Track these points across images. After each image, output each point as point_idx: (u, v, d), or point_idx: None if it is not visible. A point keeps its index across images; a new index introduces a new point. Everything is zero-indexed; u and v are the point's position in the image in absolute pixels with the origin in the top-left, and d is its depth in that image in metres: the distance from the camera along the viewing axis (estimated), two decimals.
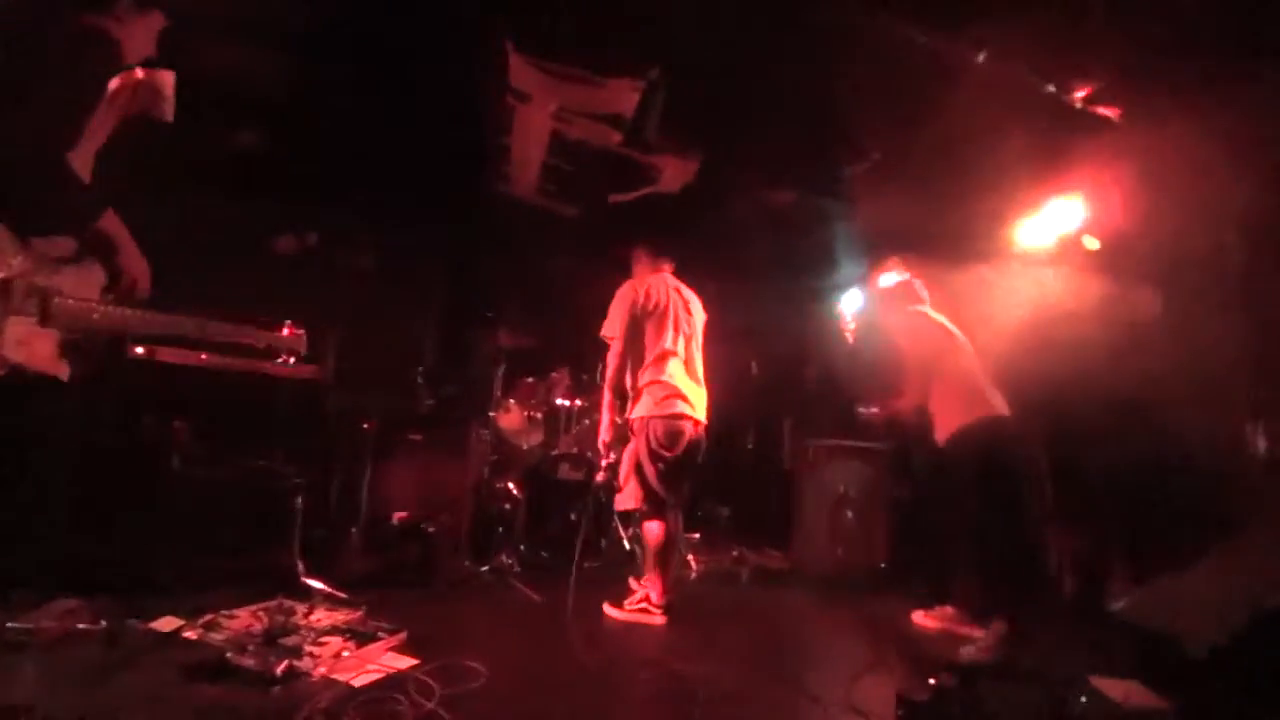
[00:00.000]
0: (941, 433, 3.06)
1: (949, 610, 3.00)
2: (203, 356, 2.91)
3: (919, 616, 3.08)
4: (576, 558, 2.79)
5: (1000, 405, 2.97)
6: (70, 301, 1.86)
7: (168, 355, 2.91)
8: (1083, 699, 2.04)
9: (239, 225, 4.00)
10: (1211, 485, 2.74)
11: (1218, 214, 2.73)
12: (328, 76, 3.50)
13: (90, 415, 2.61)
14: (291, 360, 2.53)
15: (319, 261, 4.05)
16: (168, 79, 2.16)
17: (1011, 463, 2.82)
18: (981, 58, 2.72)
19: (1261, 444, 2.71)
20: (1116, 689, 2.16)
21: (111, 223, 1.96)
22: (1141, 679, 2.22)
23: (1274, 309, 2.64)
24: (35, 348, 1.84)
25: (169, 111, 2.19)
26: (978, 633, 2.74)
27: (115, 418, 2.69)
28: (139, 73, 2.09)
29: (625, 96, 3.19)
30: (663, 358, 2.92)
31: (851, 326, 5.05)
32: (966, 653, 2.65)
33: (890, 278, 4.38)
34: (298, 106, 3.73)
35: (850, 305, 5.28)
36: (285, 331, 2.53)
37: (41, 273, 1.82)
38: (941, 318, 3.23)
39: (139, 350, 2.89)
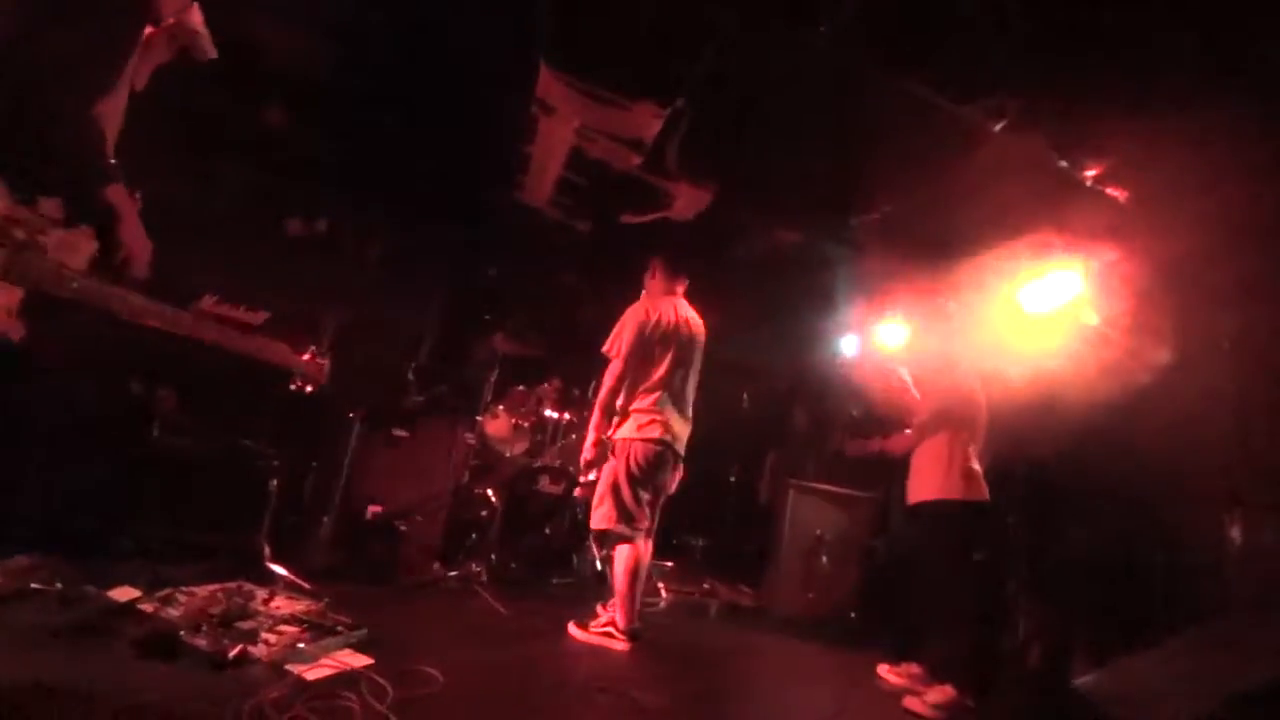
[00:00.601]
0: (916, 491, 3.07)
1: (914, 669, 2.97)
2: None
3: (883, 671, 3.05)
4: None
5: (979, 489, 2.95)
6: (47, 262, 1.73)
7: (169, 325, 2.90)
8: None
9: (253, 201, 4.03)
10: (1185, 571, 2.75)
11: (1211, 308, 2.78)
12: (361, 64, 3.54)
13: (74, 378, 2.59)
14: (308, 389, 2.46)
15: (327, 247, 4.07)
16: (197, 16, 2.09)
17: (976, 542, 2.84)
18: (1000, 126, 2.79)
19: (1237, 535, 2.72)
20: None
21: (118, 192, 1.87)
22: None
23: (1257, 406, 2.68)
24: None
25: (209, 48, 2.10)
26: (929, 690, 2.72)
27: (101, 380, 2.66)
28: (171, 19, 2.05)
29: (649, 122, 3.24)
30: (657, 385, 2.92)
31: (850, 365, 5.08)
32: (910, 704, 2.65)
33: (891, 328, 4.43)
34: (327, 91, 3.77)
35: (850, 347, 5.33)
36: (306, 357, 2.46)
37: (24, 225, 1.70)
38: (973, 377, 3.17)
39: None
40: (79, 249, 1.83)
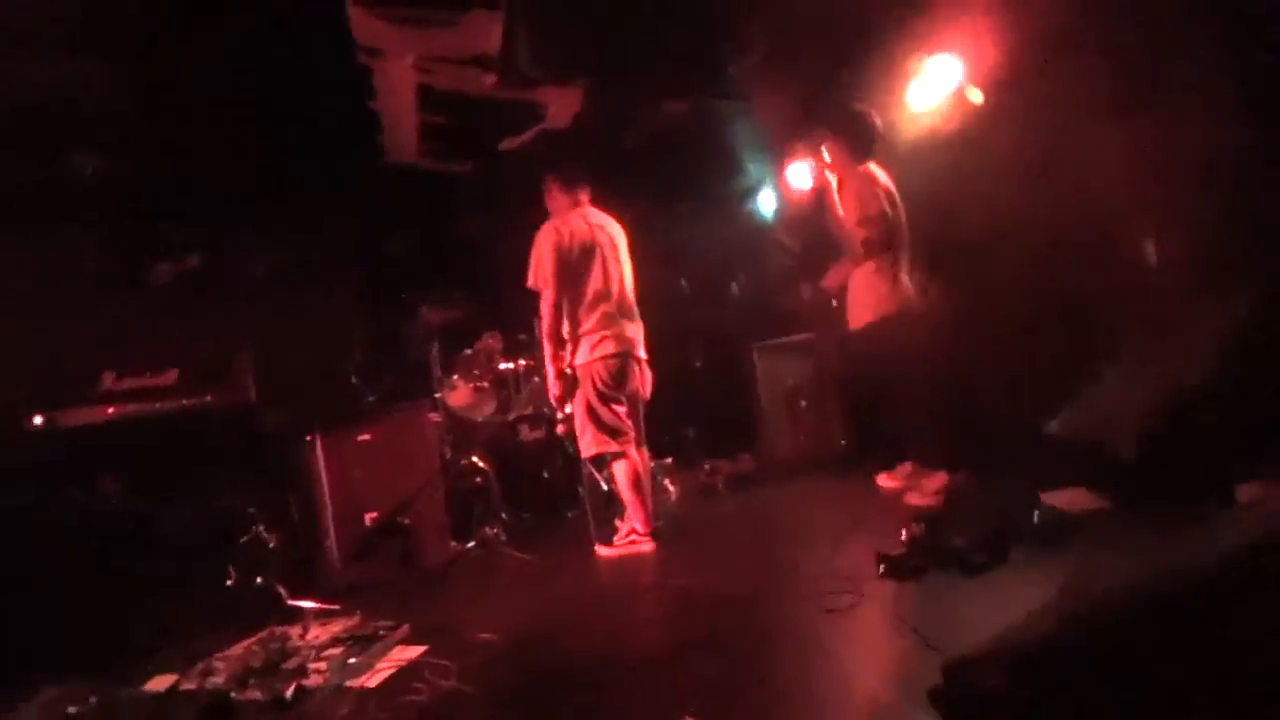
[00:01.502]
0: (853, 318, 3.20)
1: (908, 467, 3.22)
2: (110, 410, 2.71)
3: (882, 479, 3.29)
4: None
5: (911, 302, 3.07)
6: None
7: (70, 419, 2.70)
8: (1035, 515, 2.26)
9: (111, 261, 3.65)
10: (1118, 297, 2.96)
11: (1086, 46, 2.82)
12: (170, 79, 3.14)
13: (11, 499, 2.42)
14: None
15: (209, 282, 3.76)
16: None
17: (917, 351, 2.99)
18: None
19: (1151, 249, 2.92)
20: (1063, 499, 2.39)
21: None
22: (1084, 486, 2.47)
23: (1148, 128, 2.79)
24: None
25: None
26: (925, 480, 2.98)
27: (32, 495, 2.49)
28: None
29: (484, 32, 2.96)
30: (595, 301, 2.88)
31: (768, 222, 5.10)
32: (911, 499, 2.90)
33: (800, 167, 4.41)
34: (144, 118, 3.34)
35: (765, 202, 5.33)
36: None
37: None
38: (884, 178, 3.14)
39: (37, 420, 2.67)
40: None
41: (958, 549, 2.05)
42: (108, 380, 2.73)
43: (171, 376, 2.78)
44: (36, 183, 3.39)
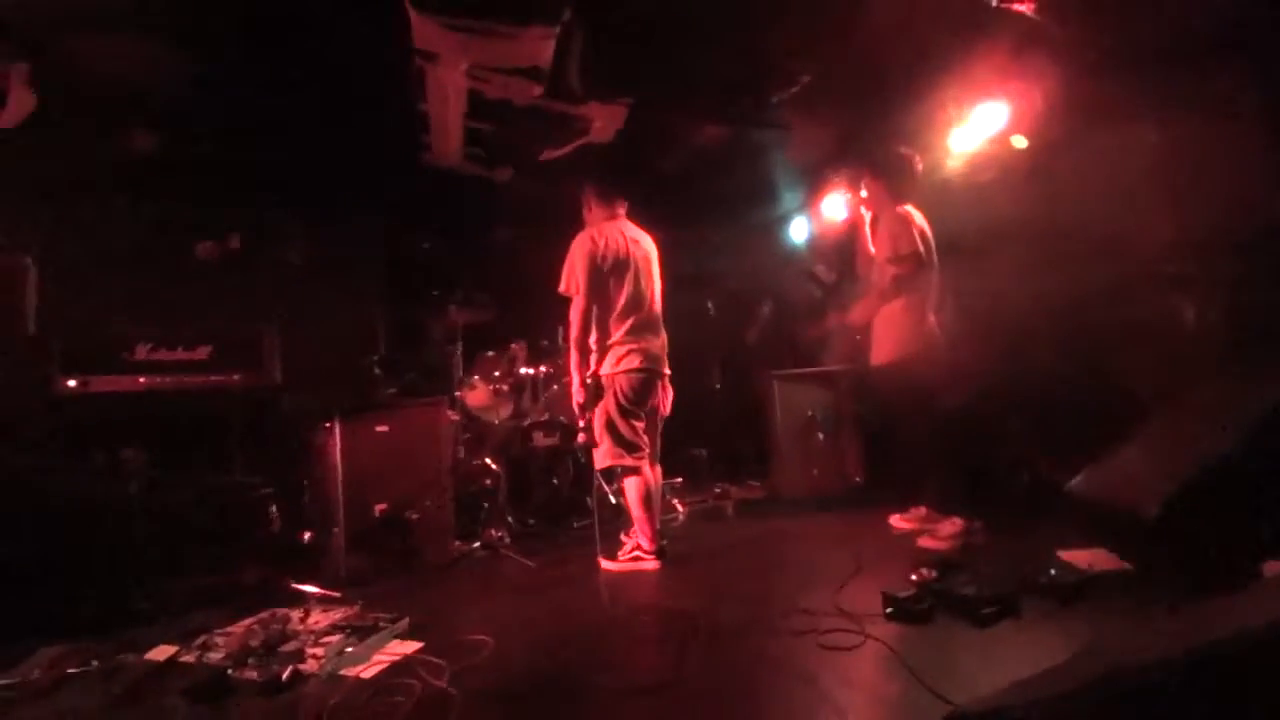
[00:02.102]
0: (876, 355, 3.19)
1: (922, 510, 3.17)
2: (140, 380, 2.78)
3: (895, 520, 3.25)
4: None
5: (935, 342, 3.06)
6: None
7: (103, 384, 2.78)
8: (1051, 571, 2.21)
9: (156, 235, 3.78)
10: (1150, 363, 2.90)
11: (1135, 99, 2.80)
12: (229, 67, 3.26)
13: (34, 459, 2.50)
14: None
15: (247, 263, 3.87)
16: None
17: (939, 391, 2.96)
18: None
19: (1189, 315, 2.87)
20: (1082, 558, 2.34)
21: None
22: (1104, 546, 2.40)
23: (1191, 185, 2.75)
24: None
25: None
26: (939, 525, 2.93)
27: (59, 458, 2.56)
28: None
29: (539, 45, 3.03)
30: (624, 312, 2.90)
31: (799, 252, 5.11)
32: (924, 542, 2.85)
33: (836, 200, 4.42)
34: (203, 102, 3.47)
35: (798, 232, 5.34)
36: None
37: None
38: (920, 219, 3.13)
39: (71, 383, 2.75)
40: None
41: (968, 597, 2.01)
42: (142, 351, 2.80)
43: (204, 352, 2.85)
44: (95, 157, 3.54)
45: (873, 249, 3.36)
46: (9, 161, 2.89)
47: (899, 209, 3.16)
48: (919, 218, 3.15)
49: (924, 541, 2.88)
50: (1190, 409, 2.42)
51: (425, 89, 3.49)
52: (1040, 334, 3.19)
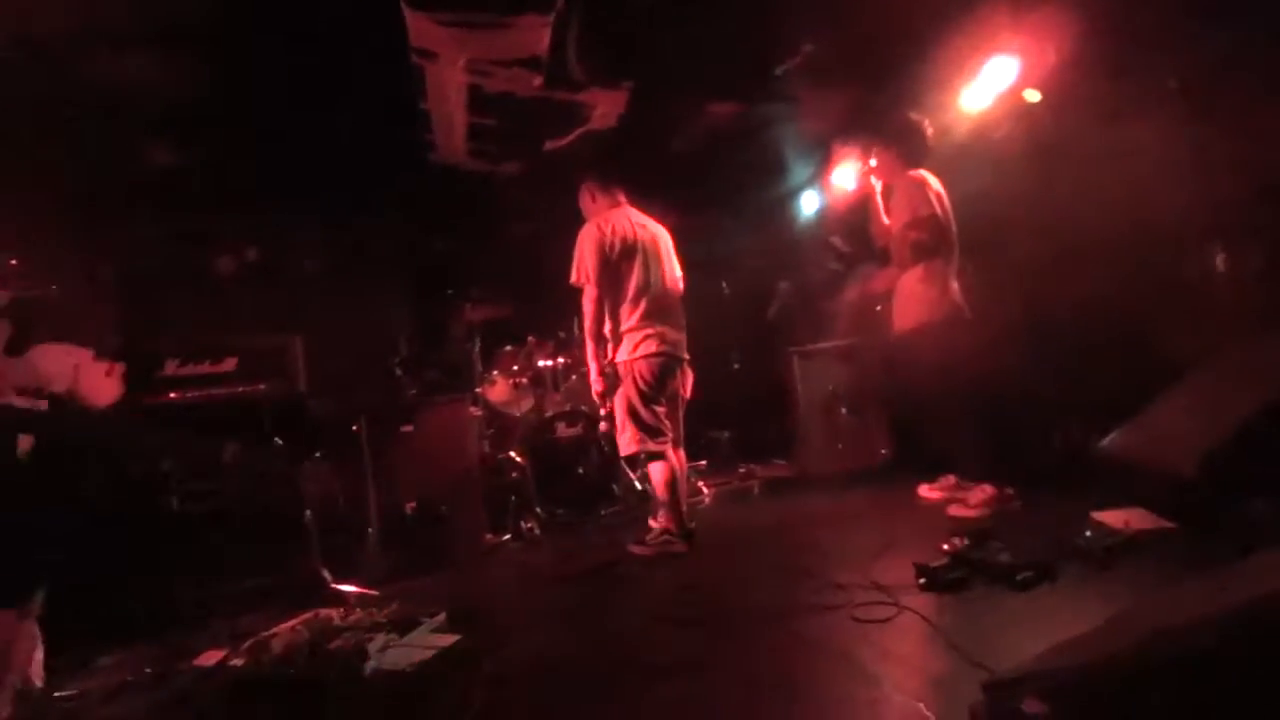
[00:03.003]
0: (900, 322, 3.13)
1: (950, 479, 3.13)
2: (172, 395, 2.85)
3: (924, 490, 3.21)
4: None
5: (959, 307, 2.99)
6: None
7: (138, 403, 2.84)
8: (1087, 533, 2.17)
9: (177, 251, 3.85)
10: (1183, 317, 2.82)
11: (1153, 49, 2.70)
12: (234, 80, 3.29)
13: (78, 477, 2.58)
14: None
15: (266, 273, 3.93)
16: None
17: (967, 356, 2.90)
18: None
19: (1220, 264, 2.77)
20: (1118, 518, 2.29)
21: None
22: (1141, 506, 2.35)
23: (1215, 134, 2.65)
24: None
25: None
26: (969, 493, 2.88)
27: (102, 474, 2.65)
28: None
29: (536, 34, 3.01)
30: (638, 298, 2.89)
31: (813, 225, 5.04)
32: (955, 510, 2.81)
33: (847, 170, 4.34)
34: (209, 116, 3.51)
35: (809, 205, 5.26)
36: None
37: None
38: (935, 182, 3.07)
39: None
40: None
41: (1003, 564, 1.99)
42: (171, 367, 2.87)
43: (230, 364, 2.91)
44: (110, 174, 3.60)
45: (887, 219, 3.30)
46: (29, 179, 2.96)
47: (913, 174, 3.10)
48: (934, 181, 3.08)
49: (955, 510, 2.85)
50: (1228, 364, 2.35)
51: (425, 87, 3.49)
52: (1067, 294, 3.10)
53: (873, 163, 3.35)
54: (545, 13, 2.86)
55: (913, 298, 3.08)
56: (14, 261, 2.18)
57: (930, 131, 3.17)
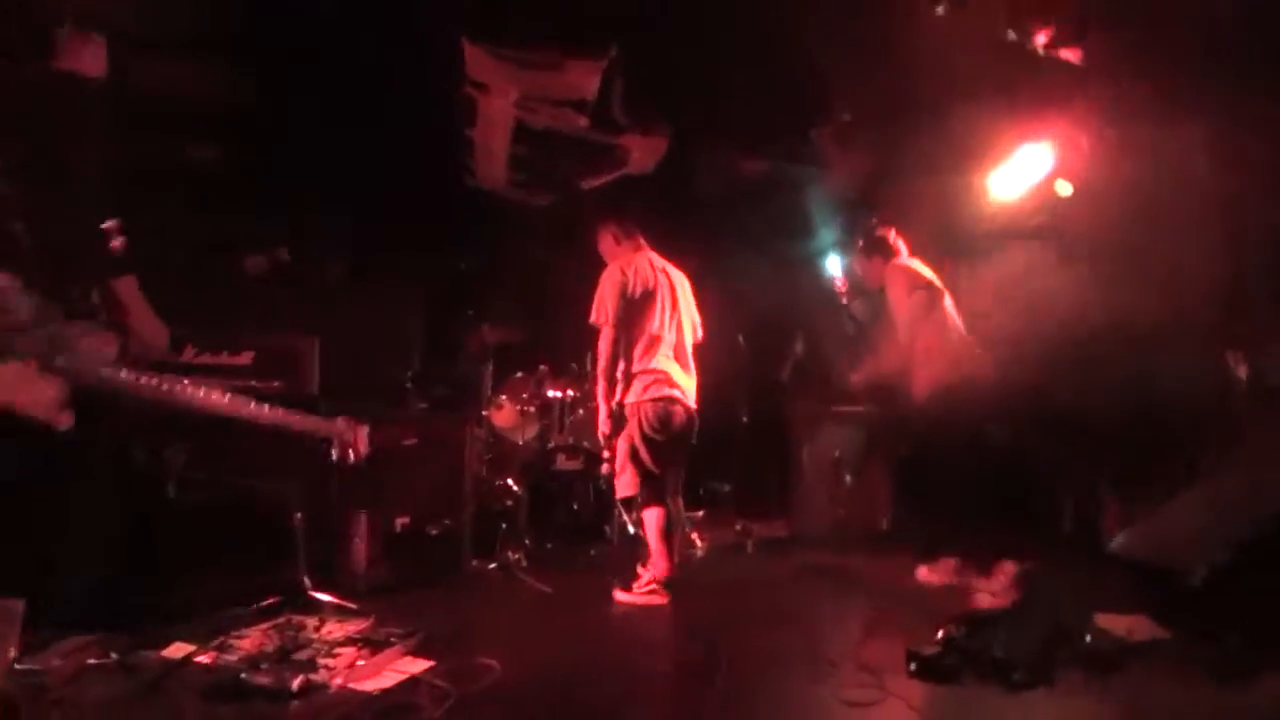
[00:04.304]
0: (922, 386, 3.13)
1: (950, 562, 3.04)
2: (185, 382, 2.88)
3: (923, 572, 3.12)
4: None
5: (979, 364, 3.01)
6: (78, 356, 1.91)
7: (149, 383, 2.88)
8: (1088, 637, 2.09)
9: (205, 247, 3.95)
10: (1197, 417, 2.78)
11: (1185, 149, 2.74)
12: (283, 86, 3.43)
13: (83, 454, 2.59)
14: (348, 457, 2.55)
15: (293, 276, 4.00)
16: None
17: (992, 417, 2.88)
18: (941, 9, 2.70)
19: (1242, 373, 2.75)
20: (1121, 624, 2.20)
21: (128, 285, 2.06)
22: (1145, 613, 2.27)
23: (1246, 241, 2.66)
24: (31, 391, 1.87)
25: None
26: (986, 581, 2.78)
27: (107, 454, 2.66)
28: None
29: (586, 78, 3.14)
30: (652, 343, 2.91)
31: (833, 289, 5.08)
32: (983, 600, 2.70)
33: (869, 236, 4.39)
34: (255, 119, 3.65)
35: (832, 269, 5.30)
36: (341, 424, 2.54)
37: (53, 324, 1.86)
38: (925, 269, 3.27)
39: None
40: (108, 343, 2.01)
41: (999, 659, 1.91)
42: (188, 353, 2.91)
43: (247, 359, 2.94)
44: (156, 168, 3.73)
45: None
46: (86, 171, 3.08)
47: (894, 263, 3.29)
48: (917, 265, 3.26)
49: (980, 600, 2.69)
50: (1239, 467, 2.30)
51: (474, 116, 3.62)
52: (1088, 382, 3.08)
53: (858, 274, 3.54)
54: (598, 59, 2.99)
55: (928, 365, 3.10)
56: None
57: (898, 240, 3.38)
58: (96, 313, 1.99)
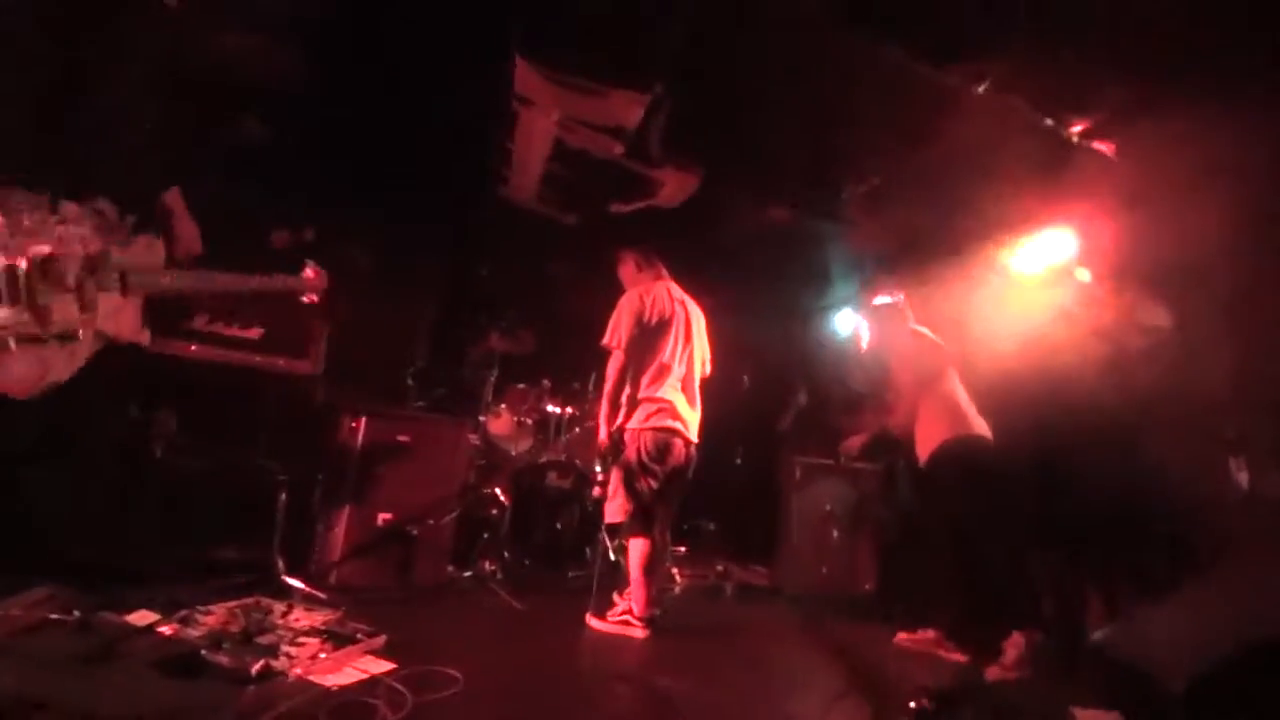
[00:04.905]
0: (924, 450, 3.10)
1: (930, 634, 3.00)
2: (192, 348, 2.89)
3: (902, 639, 3.07)
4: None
5: (982, 426, 3.02)
6: (142, 271, 1.97)
7: (156, 346, 2.89)
8: None
9: (233, 214, 3.99)
10: (1191, 516, 2.76)
11: (1206, 255, 2.78)
12: (335, 70, 3.50)
13: (76, 405, 2.59)
14: (315, 299, 2.59)
15: (315, 256, 4.03)
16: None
17: (992, 482, 2.85)
18: (982, 89, 2.77)
19: (1243, 478, 2.73)
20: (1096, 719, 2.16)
21: (174, 195, 2.22)
22: (1121, 711, 2.22)
23: (1255, 347, 2.68)
24: (122, 318, 1.96)
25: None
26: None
27: (101, 406, 2.66)
28: None
29: (629, 109, 3.21)
30: (661, 372, 2.91)
31: (842, 344, 5.10)
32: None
33: (883, 299, 4.43)
34: (303, 99, 3.72)
35: (844, 325, 5.33)
36: (309, 273, 2.59)
37: (111, 244, 1.90)
38: (933, 335, 3.30)
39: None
40: (155, 249, 2.07)
41: None
42: (200, 320, 2.93)
43: (256, 333, 2.96)
44: (196, 140, 3.79)
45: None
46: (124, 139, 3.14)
47: (903, 326, 3.34)
48: (926, 332, 3.29)
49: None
50: (1235, 580, 2.27)
51: (515, 129, 3.69)
52: (1088, 472, 3.07)
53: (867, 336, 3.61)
54: (644, 92, 3.06)
55: (929, 427, 3.08)
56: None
57: (904, 305, 3.44)
58: (151, 225, 2.06)
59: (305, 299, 2.58)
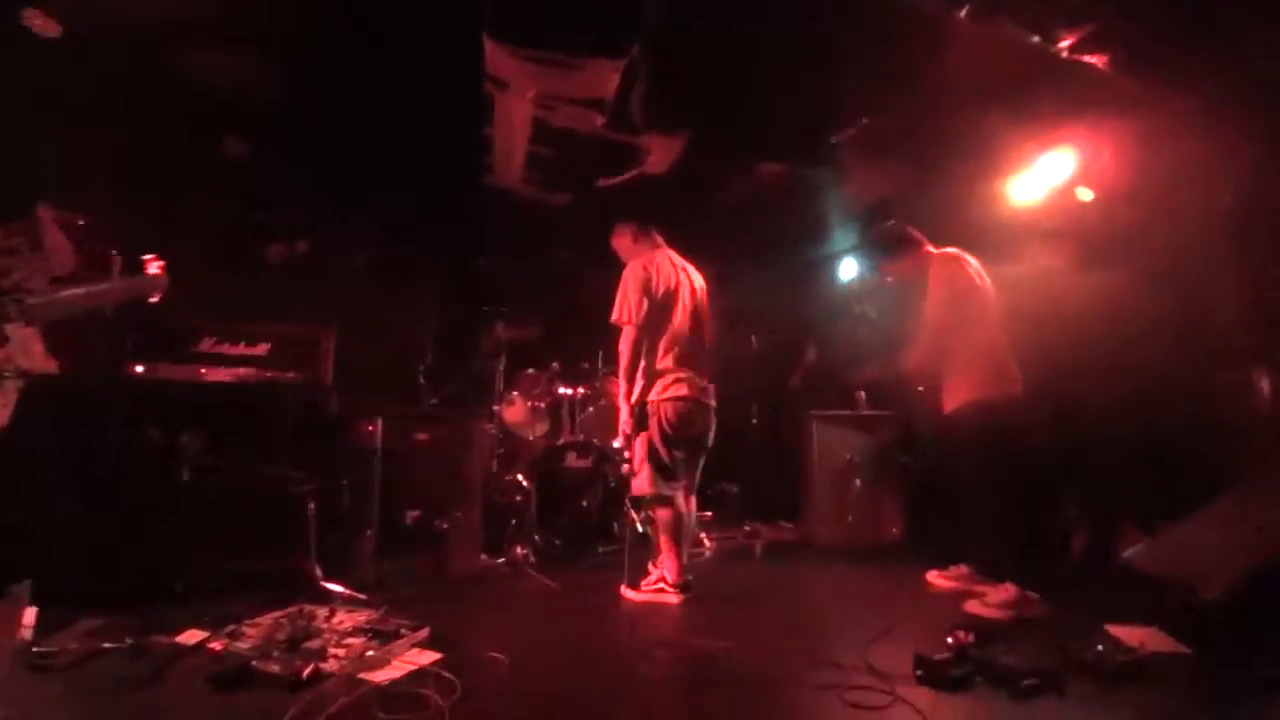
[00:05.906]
0: (950, 401, 2.94)
1: (963, 569, 3.02)
2: (201, 371, 2.92)
3: (934, 576, 3.10)
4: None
5: (1014, 380, 2.84)
6: (33, 296, 1.91)
7: (167, 371, 2.93)
8: (1099, 647, 2.06)
9: (228, 232, 3.99)
10: (1218, 435, 2.73)
11: (1209, 162, 2.70)
12: (308, 78, 3.46)
13: (96, 434, 2.64)
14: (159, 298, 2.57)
15: (311, 265, 4.04)
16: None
17: (1016, 438, 2.77)
18: (963, 13, 2.67)
19: (1266, 389, 2.70)
20: (1133, 636, 2.18)
21: (44, 212, 2.12)
22: (1158, 626, 2.24)
23: (1269, 259, 2.62)
24: (31, 350, 1.91)
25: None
26: (989, 590, 2.75)
27: (120, 434, 2.70)
28: None
29: (605, 78, 3.14)
30: (673, 341, 2.89)
31: (852, 287, 5.04)
32: (972, 607, 2.68)
33: (894, 236, 4.31)
34: (280, 110, 3.69)
35: (850, 271, 5.28)
36: (154, 270, 2.56)
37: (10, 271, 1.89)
38: (973, 261, 2.98)
39: (139, 368, 2.91)
40: (35, 267, 2.02)
41: (1007, 667, 1.89)
42: (208, 343, 2.95)
43: (264, 349, 2.98)
44: (181, 159, 3.78)
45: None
46: (104, 160, 3.13)
47: (939, 251, 3.03)
48: (966, 256, 2.99)
49: (972, 606, 2.68)
50: (1264, 489, 2.26)
51: (493, 114, 3.64)
52: (1108, 400, 3.02)
53: (889, 279, 3.32)
54: (617, 59, 2.99)
55: (964, 374, 2.88)
56: (81, 221, 2.31)
57: (913, 233, 3.12)
58: (23, 247, 2.03)
59: (152, 299, 2.55)
